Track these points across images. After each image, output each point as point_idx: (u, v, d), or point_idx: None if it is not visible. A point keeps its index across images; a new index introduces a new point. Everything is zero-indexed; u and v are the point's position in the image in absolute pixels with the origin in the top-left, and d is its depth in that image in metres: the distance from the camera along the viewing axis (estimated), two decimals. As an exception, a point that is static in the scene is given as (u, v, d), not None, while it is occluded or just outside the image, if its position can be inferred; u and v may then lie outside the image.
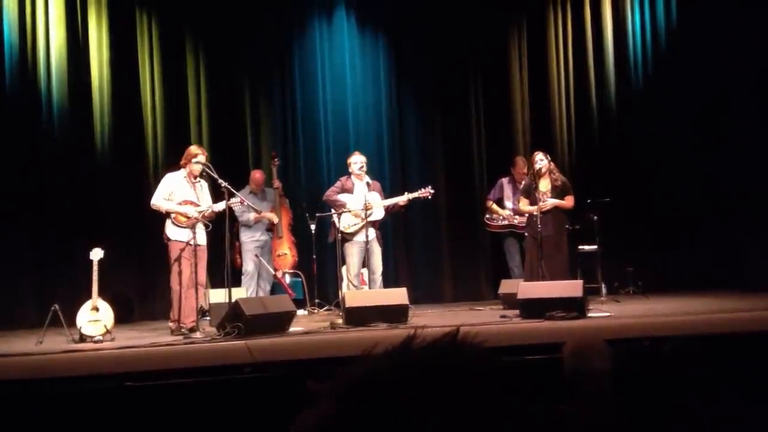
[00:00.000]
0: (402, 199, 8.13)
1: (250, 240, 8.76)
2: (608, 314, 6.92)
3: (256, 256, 8.70)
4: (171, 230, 7.05)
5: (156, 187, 7.33)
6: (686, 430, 2.24)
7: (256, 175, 9.02)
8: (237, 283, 8.35)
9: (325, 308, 8.81)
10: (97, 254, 6.98)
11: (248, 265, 8.71)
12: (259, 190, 8.92)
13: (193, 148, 7.29)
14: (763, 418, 2.57)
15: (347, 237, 8.04)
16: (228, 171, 7.54)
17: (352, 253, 8.04)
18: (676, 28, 10.12)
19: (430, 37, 10.13)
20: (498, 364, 0.68)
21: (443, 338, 0.69)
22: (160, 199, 7.11)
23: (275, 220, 8.80)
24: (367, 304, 6.99)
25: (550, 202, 7.68)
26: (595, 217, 8.75)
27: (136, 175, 8.87)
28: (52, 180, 8.63)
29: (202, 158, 7.14)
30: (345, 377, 0.67)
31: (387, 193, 8.37)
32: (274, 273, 8.72)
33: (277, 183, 8.96)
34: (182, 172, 7.21)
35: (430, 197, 8.20)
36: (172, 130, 9.29)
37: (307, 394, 0.67)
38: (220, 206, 7.10)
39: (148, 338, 6.69)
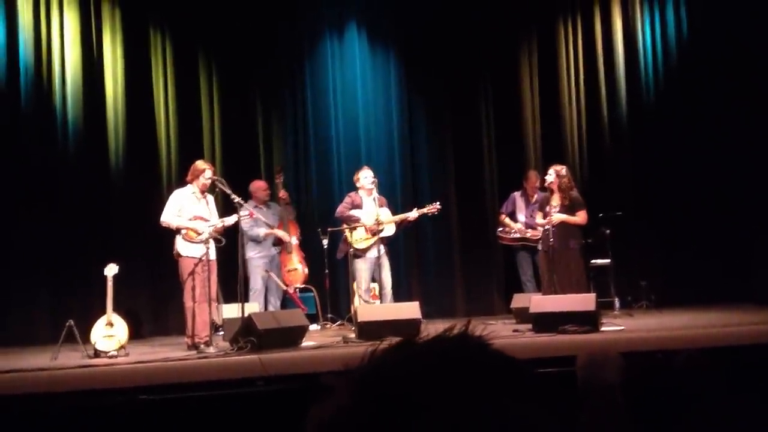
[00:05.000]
0: (411, 215, 8.16)
1: (258, 256, 8.59)
2: (621, 328, 6.90)
3: (266, 271, 8.64)
4: (182, 246, 7.07)
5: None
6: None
7: (259, 183, 8.84)
8: (248, 298, 8.33)
9: (338, 323, 8.81)
10: (111, 270, 7.02)
11: (256, 282, 8.51)
12: (263, 203, 8.75)
13: (200, 163, 7.31)
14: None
15: (358, 253, 8.05)
16: (240, 187, 7.59)
17: (363, 268, 8.04)
18: (686, 40, 10.12)
19: (440, 52, 10.17)
20: (505, 357, 0.71)
21: (452, 329, 0.72)
22: (170, 216, 7.13)
23: (287, 238, 8.76)
24: (380, 318, 6.99)
25: (557, 216, 7.70)
26: (608, 231, 8.74)
27: (150, 191, 8.93)
28: (66, 196, 8.71)
29: (209, 173, 7.18)
30: (359, 370, 0.69)
31: (398, 207, 8.39)
32: (285, 288, 8.71)
33: (283, 193, 8.93)
34: (190, 188, 7.24)
35: (437, 212, 8.23)
36: (185, 146, 9.36)
37: (322, 387, 0.70)
38: (231, 220, 7.14)
39: (162, 353, 6.71)
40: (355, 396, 0.67)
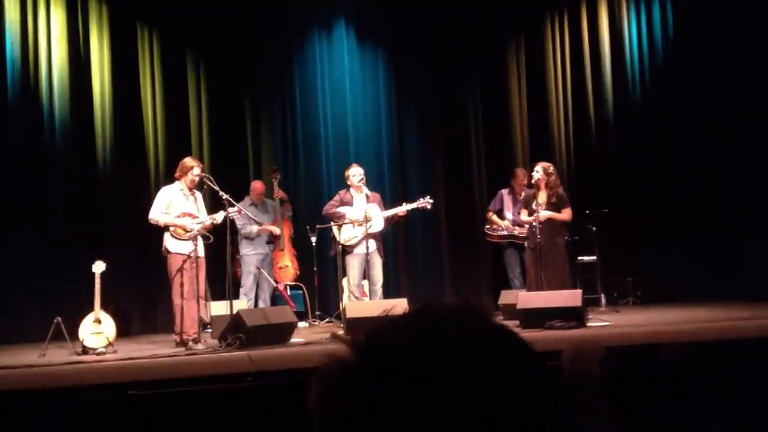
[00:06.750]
0: (401, 210, 8.18)
1: (252, 253, 8.69)
2: (607, 324, 6.96)
3: (258, 268, 8.67)
4: (170, 243, 7.07)
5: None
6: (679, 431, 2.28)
7: (257, 185, 9.00)
8: (238, 295, 8.36)
9: (326, 320, 8.83)
10: (99, 267, 7.02)
11: (247, 279, 8.61)
12: (259, 202, 8.92)
13: (188, 160, 7.32)
14: (756, 421, 2.61)
15: (348, 249, 8.08)
16: (229, 184, 7.60)
17: (353, 265, 8.08)
18: (672, 39, 10.19)
19: (429, 50, 10.20)
20: (504, 330, 0.74)
21: (455, 303, 0.75)
22: (158, 213, 7.13)
23: (277, 232, 8.79)
24: (368, 315, 7.01)
25: (544, 213, 7.75)
26: (594, 228, 8.79)
27: (137, 189, 8.91)
28: (54, 194, 8.68)
29: (197, 170, 7.18)
30: (366, 334, 0.72)
31: (387, 205, 8.41)
32: (275, 285, 8.73)
33: (280, 193, 8.95)
34: (178, 185, 7.24)
35: (429, 207, 8.24)
36: (173, 143, 9.35)
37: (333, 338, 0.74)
38: (220, 217, 7.14)
39: (150, 350, 6.72)
40: (360, 357, 0.70)
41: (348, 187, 8.24)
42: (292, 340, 6.78)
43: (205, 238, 7.13)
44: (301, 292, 8.97)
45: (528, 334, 6.29)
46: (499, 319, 7.90)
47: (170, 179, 7.56)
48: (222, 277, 7.52)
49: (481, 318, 0.74)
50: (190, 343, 6.71)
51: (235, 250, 8.61)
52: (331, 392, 0.70)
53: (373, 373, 0.69)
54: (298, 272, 9.03)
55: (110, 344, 6.74)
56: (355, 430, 0.68)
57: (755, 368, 4.23)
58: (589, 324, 6.79)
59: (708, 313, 7.50)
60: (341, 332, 7.11)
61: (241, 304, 8.00)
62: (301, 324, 8.15)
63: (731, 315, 7.04)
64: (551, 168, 8.01)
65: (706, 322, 6.66)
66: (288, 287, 8.92)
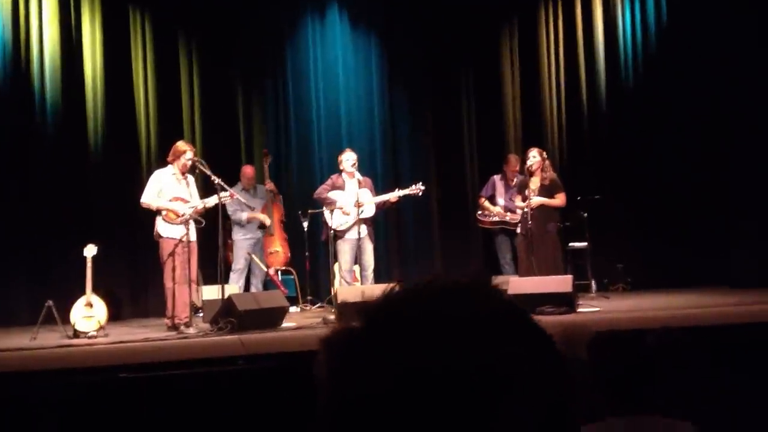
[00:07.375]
0: (393, 196, 8.19)
1: (243, 238, 8.74)
2: (597, 309, 7.01)
3: (249, 253, 8.69)
4: (162, 227, 7.07)
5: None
6: (662, 414, 2.30)
7: (247, 169, 9.02)
8: (229, 280, 8.37)
9: (318, 305, 8.85)
10: (90, 251, 7.02)
11: (239, 263, 8.67)
12: (250, 187, 8.92)
13: (181, 144, 7.30)
14: (744, 406, 2.64)
15: (339, 234, 8.09)
16: (220, 169, 7.59)
17: (344, 250, 8.09)
18: (666, 25, 10.19)
19: (421, 34, 10.18)
20: (514, 306, 0.74)
21: (466, 277, 0.76)
22: (150, 197, 7.12)
23: (267, 222, 8.80)
24: (360, 300, 7.01)
25: (536, 200, 7.78)
26: (585, 214, 8.83)
27: (129, 173, 8.90)
28: (45, 177, 8.65)
29: (190, 154, 7.17)
30: (377, 301, 0.73)
31: (379, 190, 8.42)
32: (266, 270, 8.74)
33: (270, 185, 8.97)
34: (170, 169, 7.22)
35: (420, 194, 8.26)
36: (165, 127, 9.32)
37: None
38: (212, 201, 7.13)
39: (141, 334, 6.72)
40: (370, 325, 0.71)
41: (340, 171, 8.25)
42: (284, 324, 6.79)
43: (197, 222, 7.12)
44: (292, 276, 8.98)
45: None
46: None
47: (162, 163, 7.55)
48: (214, 261, 7.51)
49: (492, 294, 0.74)
50: (182, 327, 6.72)
51: (227, 235, 8.62)
52: (341, 360, 0.71)
53: (384, 341, 0.69)
54: (289, 257, 9.04)
55: (101, 328, 6.75)
56: (365, 397, 0.68)
57: (744, 353, 4.26)
58: (579, 309, 6.83)
59: (697, 299, 7.55)
60: (332, 317, 7.13)
61: (233, 288, 8.02)
62: (293, 309, 8.17)
63: (720, 301, 7.09)
64: (545, 153, 8.07)
65: (695, 307, 6.69)
66: (279, 272, 8.93)
